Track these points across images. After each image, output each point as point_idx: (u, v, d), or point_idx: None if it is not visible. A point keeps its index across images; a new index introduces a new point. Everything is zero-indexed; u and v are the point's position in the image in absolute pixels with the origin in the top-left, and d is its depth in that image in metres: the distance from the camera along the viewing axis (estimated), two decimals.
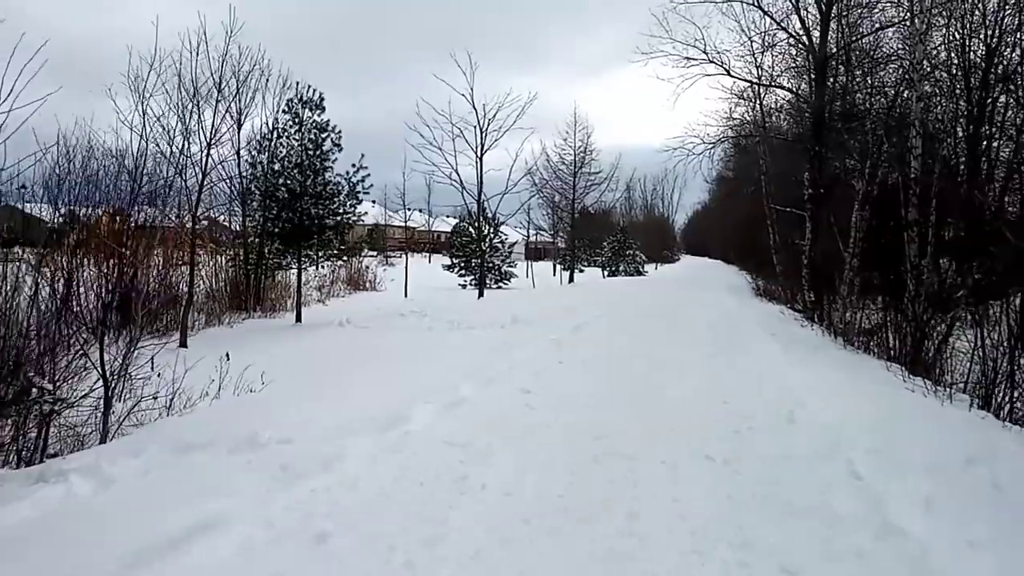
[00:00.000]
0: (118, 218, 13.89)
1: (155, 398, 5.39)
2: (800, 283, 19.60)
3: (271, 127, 14.83)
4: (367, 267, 26.29)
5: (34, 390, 4.83)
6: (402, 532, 3.30)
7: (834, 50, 17.57)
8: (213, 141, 11.56)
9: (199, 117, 11.31)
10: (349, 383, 6.96)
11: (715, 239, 78.91)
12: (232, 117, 16.78)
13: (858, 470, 4.19)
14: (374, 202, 49.78)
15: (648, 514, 3.59)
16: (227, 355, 6.30)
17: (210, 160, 11.54)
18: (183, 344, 11.37)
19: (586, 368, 8.09)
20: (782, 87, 21.92)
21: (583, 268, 42.33)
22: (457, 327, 12.27)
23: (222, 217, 17.97)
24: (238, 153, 16.30)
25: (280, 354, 9.86)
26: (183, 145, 11.34)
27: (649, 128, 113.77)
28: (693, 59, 19.93)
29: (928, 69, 12.55)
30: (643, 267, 48.39)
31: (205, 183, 11.72)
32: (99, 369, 4.87)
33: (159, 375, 5.91)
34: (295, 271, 15.75)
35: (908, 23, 13.03)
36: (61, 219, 13.38)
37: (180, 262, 15.01)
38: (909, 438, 4.88)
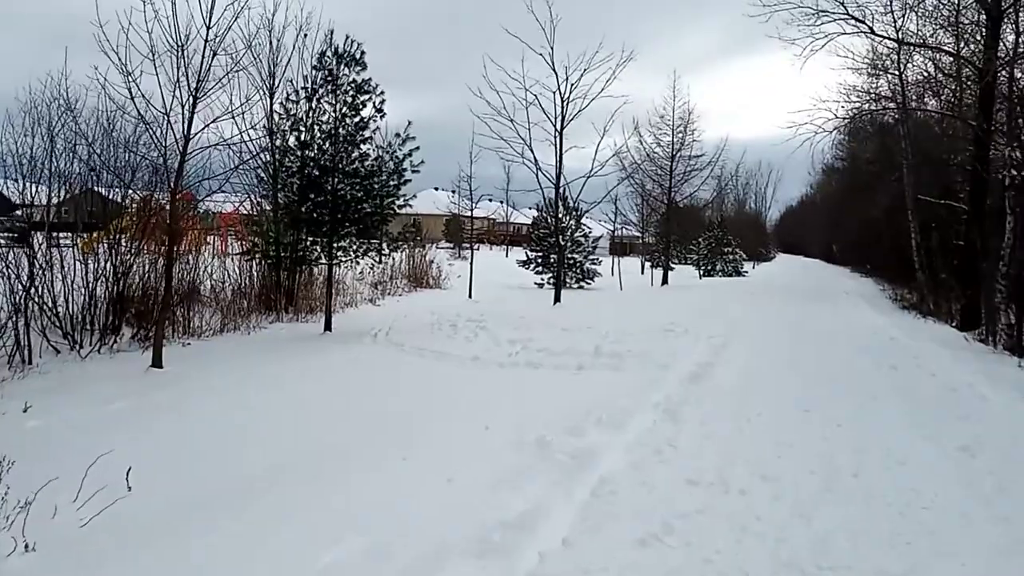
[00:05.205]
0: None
1: None
2: (963, 293, 15.54)
3: (299, 88, 11.79)
4: (431, 261, 23.19)
5: None
6: None
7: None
8: (199, 95, 8.51)
9: (185, 69, 8.27)
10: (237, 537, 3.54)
11: (815, 236, 73.02)
12: (260, 78, 14.09)
13: None
14: (454, 191, 46.80)
15: None
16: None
17: (196, 121, 8.47)
18: (156, 363, 8.48)
19: (745, 503, 4.43)
20: (941, 49, 17.77)
21: (673, 266, 38.23)
22: (515, 359, 8.95)
23: (243, 199, 15.24)
24: (269, 120, 13.43)
25: (237, 404, 6.83)
26: (170, 104, 8.35)
27: (743, 124, 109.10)
28: (827, 12, 16.60)
29: None
30: (742, 266, 43.61)
31: (190, 152, 8.67)
32: None
33: None
34: (337, 266, 12.82)
35: None
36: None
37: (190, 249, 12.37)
38: None
